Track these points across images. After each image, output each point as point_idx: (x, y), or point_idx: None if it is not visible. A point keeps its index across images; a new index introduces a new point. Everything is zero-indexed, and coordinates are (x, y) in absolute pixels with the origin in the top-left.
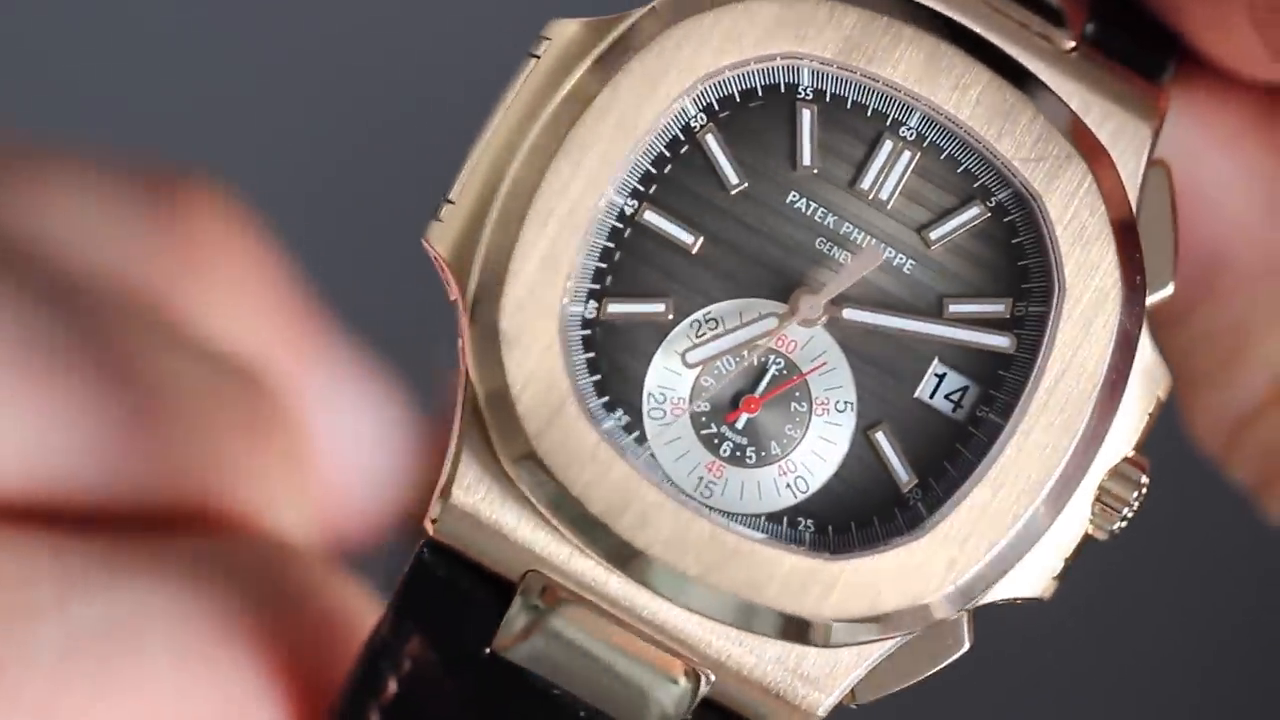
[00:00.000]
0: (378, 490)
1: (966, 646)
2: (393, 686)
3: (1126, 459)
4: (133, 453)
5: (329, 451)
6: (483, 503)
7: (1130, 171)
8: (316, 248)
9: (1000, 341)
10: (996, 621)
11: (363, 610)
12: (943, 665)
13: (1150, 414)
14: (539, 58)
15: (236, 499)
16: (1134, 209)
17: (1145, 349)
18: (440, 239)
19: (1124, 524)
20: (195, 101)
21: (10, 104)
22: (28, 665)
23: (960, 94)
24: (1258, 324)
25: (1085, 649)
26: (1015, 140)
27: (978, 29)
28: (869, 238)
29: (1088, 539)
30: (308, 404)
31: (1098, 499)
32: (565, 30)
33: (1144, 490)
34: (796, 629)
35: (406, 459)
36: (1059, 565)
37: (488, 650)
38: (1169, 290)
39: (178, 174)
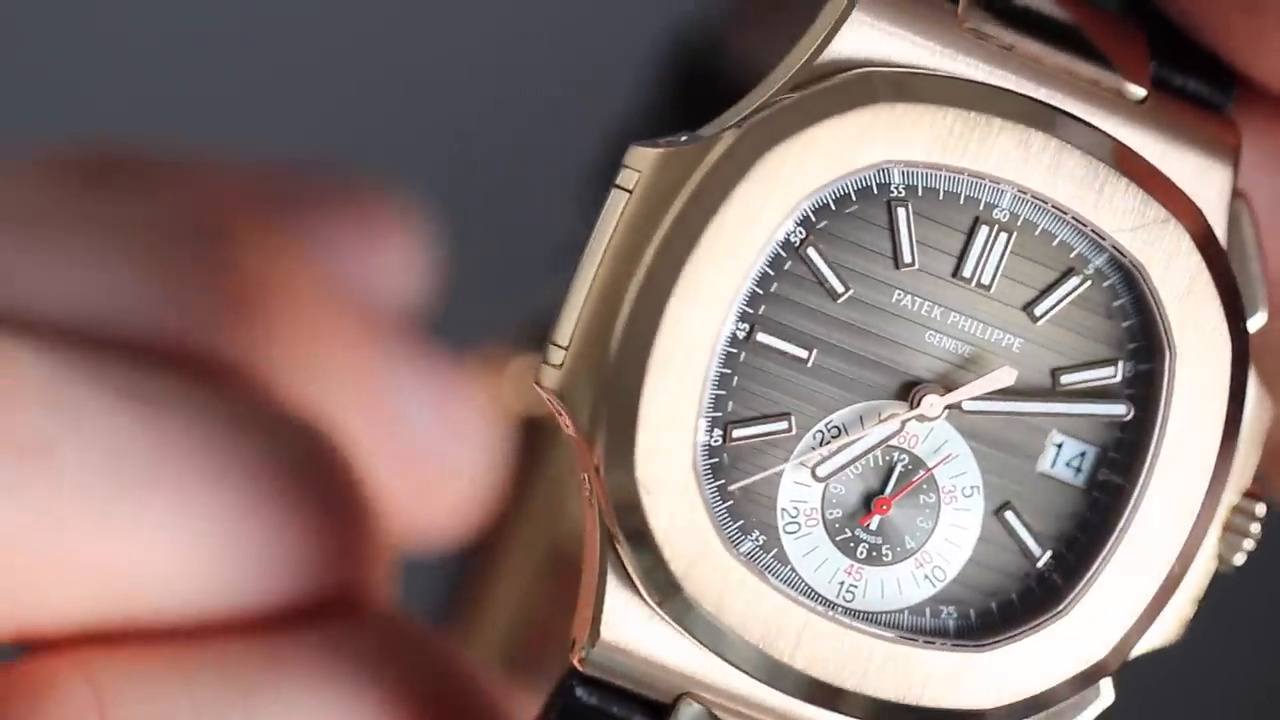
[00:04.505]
0: (474, 483)
1: (1109, 700)
2: None
3: (1245, 493)
4: (249, 556)
5: (426, 458)
6: (632, 637)
7: (1217, 214)
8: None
9: (1116, 410)
10: None
11: (491, 685)
12: None
13: (1260, 445)
14: (630, 191)
15: (348, 579)
16: (1226, 251)
17: (1252, 385)
18: (554, 382)
19: (1247, 555)
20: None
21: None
22: None
23: (1053, 175)
24: None
25: None
26: (1111, 213)
27: (1058, 103)
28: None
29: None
30: (400, 423)
31: (1222, 537)
32: (648, 158)
33: (1262, 520)
34: None
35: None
36: (1192, 611)
37: None
38: (1263, 318)
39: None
